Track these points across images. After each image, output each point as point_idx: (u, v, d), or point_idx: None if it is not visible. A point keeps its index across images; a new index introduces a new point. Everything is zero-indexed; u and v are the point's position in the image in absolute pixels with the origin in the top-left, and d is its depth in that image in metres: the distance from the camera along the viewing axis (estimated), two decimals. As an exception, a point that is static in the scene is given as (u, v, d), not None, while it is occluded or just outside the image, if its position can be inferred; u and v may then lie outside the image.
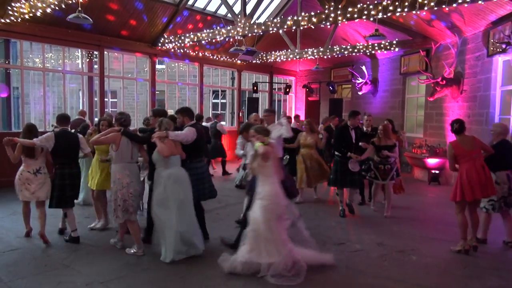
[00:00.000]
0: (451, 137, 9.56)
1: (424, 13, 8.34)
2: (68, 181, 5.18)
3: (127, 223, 4.87)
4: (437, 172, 9.77)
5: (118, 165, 4.83)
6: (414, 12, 7.08)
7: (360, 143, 6.69)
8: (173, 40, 10.78)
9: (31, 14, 7.93)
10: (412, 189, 8.75)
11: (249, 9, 9.58)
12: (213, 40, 10.38)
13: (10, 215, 6.41)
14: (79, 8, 6.84)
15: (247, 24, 9.09)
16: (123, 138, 4.82)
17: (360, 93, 13.04)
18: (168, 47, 11.16)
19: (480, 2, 6.45)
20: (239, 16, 9.37)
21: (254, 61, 13.29)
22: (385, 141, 6.71)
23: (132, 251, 4.84)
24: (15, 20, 8.29)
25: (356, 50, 11.15)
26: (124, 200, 4.75)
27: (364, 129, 7.42)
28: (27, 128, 5.37)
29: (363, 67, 12.79)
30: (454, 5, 6.50)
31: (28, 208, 5.41)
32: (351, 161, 6.46)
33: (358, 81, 12.95)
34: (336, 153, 6.67)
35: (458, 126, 5.06)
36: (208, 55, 12.80)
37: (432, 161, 9.76)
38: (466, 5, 6.53)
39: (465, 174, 4.90)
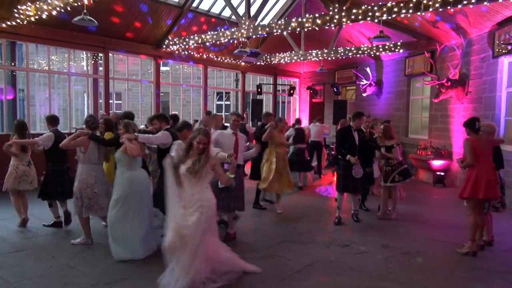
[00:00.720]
0: (456, 138, 9.57)
1: (429, 14, 8.31)
2: (60, 177, 5.70)
3: (83, 219, 5.16)
4: (442, 174, 9.73)
5: (85, 166, 5.10)
6: (418, 13, 7.06)
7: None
8: (177, 42, 10.81)
9: (36, 17, 7.98)
10: (417, 191, 8.71)
11: (253, 11, 9.59)
12: (217, 42, 10.39)
13: (15, 217, 6.39)
14: (85, 11, 6.88)
15: (251, 26, 9.10)
16: (91, 141, 5.06)
17: (364, 94, 13.02)
18: (172, 49, 11.20)
19: (485, 3, 6.43)
20: (243, 18, 9.38)
21: (258, 63, 13.31)
22: (383, 141, 6.63)
23: (78, 241, 5.21)
24: (21, 23, 8.35)
25: (360, 52, 11.13)
26: (89, 199, 5.05)
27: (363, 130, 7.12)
28: (20, 125, 5.87)
29: (368, 69, 12.77)
30: (459, 6, 6.47)
31: (19, 198, 5.91)
32: (355, 167, 6.18)
33: (362, 83, 12.93)
34: (340, 156, 6.44)
35: (479, 126, 5.09)
36: (212, 57, 12.82)
37: (437, 163, 9.72)
38: (471, 6, 6.48)
39: (476, 173, 4.93)
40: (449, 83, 9.36)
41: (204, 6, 11.34)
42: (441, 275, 4.44)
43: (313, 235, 5.77)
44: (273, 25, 8.88)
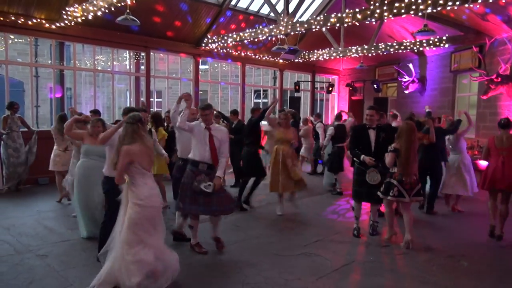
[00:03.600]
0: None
1: (478, 6, 7.89)
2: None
3: None
4: (490, 174, 9.21)
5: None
6: (466, 5, 6.71)
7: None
8: (216, 40, 10.93)
9: (83, 18, 8.34)
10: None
11: (291, 7, 9.52)
12: (256, 40, 10.40)
13: (62, 208, 6.76)
14: (128, 10, 7.10)
15: (290, 22, 9.03)
16: None
17: (406, 91, 12.58)
18: (211, 47, 11.33)
19: (541, -8, 6.02)
20: (282, 14, 9.32)
21: (296, 60, 13.18)
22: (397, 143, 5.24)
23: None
24: (69, 24, 8.76)
25: (402, 47, 10.75)
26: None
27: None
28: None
29: (410, 65, 12.33)
30: (512, -4, 6.11)
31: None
32: (369, 171, 5.34)
33: (404, 80, 12.50)
34: (354, 158, 5.59)
35: (506, 122, 5.64)
36: (250, 54, 12.86)
37: (484, 163, 9.19)
38: (525, -4, 6.11)
39: (486, 168, 5.68)
40: (499, 78, 8.87)
41: (242, 4, 11.38)
42: (488, 281, 4.20)
43: (351, 234, 5.62)
44: (312, 21, 8.76)
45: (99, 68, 12.84)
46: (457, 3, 6.56)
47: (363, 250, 5.03)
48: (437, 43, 10.14)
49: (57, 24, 8.78)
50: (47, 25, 8.72)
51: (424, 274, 4.33)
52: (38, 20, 8.61)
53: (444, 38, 10.00)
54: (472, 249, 5.12)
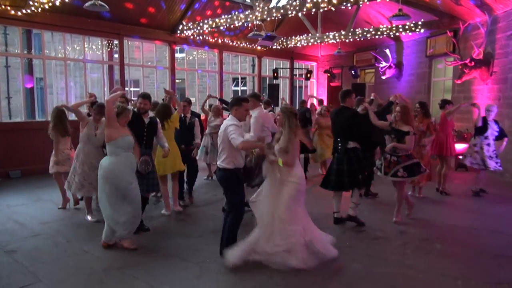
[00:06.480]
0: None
1: (452, -10, 7.93)
2: None
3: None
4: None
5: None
6: (440, -11, 6.72)
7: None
8: (192, 27, 10.69)
9: (50, 4, 7.98)
10: (437, 175, 8.45)
11: (267, -8, 9.38)
12: (232, 26, 10.24)
13: (34, 201, 6.56)
14: (96, -5, 6.83)
15: (266, 8, 8.90)
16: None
17: (383, 77, 12.66)
18: (187, 34, 11.09)
19: (512, -24, 6.06)
20: (258, 0, 9.18)
21: (274, 47, 13.07)
22: (398, 125, 5.41)
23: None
24: (35, 11, 8.39)
25: (379, 33, 10.76)
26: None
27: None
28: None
29: (387, 51, 12.38)
30: (484, -20, 6.13)
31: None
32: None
33: (381, 65, 12.56)
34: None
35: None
36: (227, 41, 12.66)
37: (459, 147, 9.37)
38: (497, -20, 6.14)
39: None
40: (473, 63, 8.97)
41: (218, -10, 11.16)
42: (462, 262, 4.27)
43: (327, 221, 5.63)
44: (288, 6, 8.66)
45: (71, 56, 12.42)
46: (431, -13, 6.57)
47: (339, 236, 5.03)
48: (413, 28, 10.19)
49: (23, 11, 8.39)
50: (12, 12, 8.32)
51: (399, 258, 4.37)
52: (3, 6, 8.21)
53: (420, 23, 10.05)
54: (446, 232, 5.21)
